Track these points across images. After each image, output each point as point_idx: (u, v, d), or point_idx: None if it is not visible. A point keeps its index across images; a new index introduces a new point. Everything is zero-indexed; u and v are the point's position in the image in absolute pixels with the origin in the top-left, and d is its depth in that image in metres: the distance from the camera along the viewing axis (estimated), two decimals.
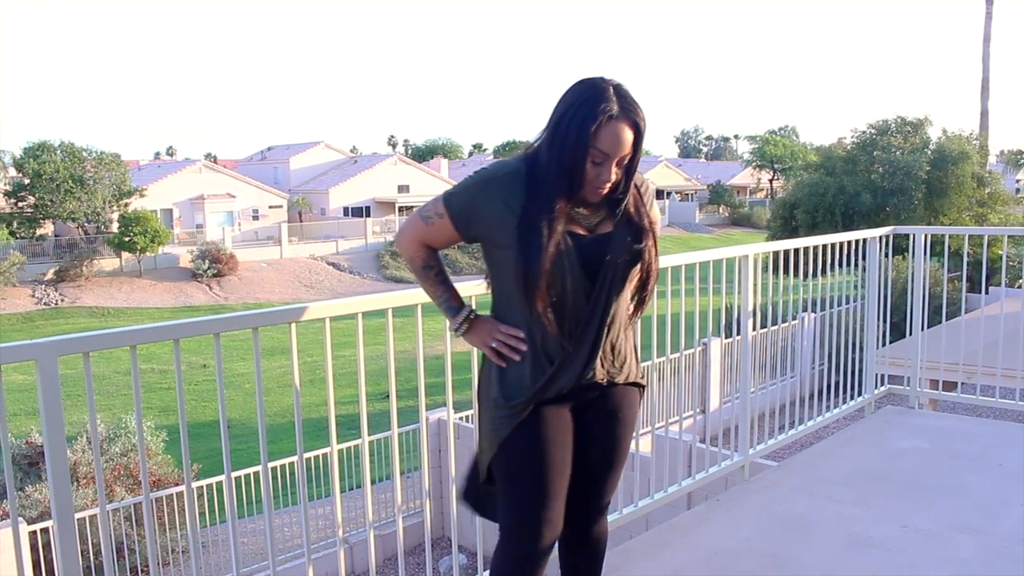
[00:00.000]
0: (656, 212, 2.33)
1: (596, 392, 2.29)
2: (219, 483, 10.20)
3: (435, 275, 2.35)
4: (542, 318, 2.14)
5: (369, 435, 2.83)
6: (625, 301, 2.27)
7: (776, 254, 4.54)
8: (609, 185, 2.10)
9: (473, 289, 2.83)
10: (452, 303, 2.34)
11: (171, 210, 47.85)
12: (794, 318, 5.56)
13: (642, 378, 2.42)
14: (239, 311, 2.47)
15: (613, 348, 2.27)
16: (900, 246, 5.98)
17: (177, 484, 10.57)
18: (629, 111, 2.05)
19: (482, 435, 2.32)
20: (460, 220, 2.19)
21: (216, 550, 10.51)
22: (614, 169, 2.08)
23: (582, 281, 2.15)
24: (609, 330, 2.23)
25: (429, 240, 2.28)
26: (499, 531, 2.32)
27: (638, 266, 2.22)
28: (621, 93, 2.06)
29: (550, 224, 2.07)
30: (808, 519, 3.83)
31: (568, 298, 2.15)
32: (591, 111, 2.02)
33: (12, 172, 42.09)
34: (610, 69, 2.26)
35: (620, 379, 2.31)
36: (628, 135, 2.06)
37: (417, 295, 2.79)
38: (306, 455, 4.91)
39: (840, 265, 4.87)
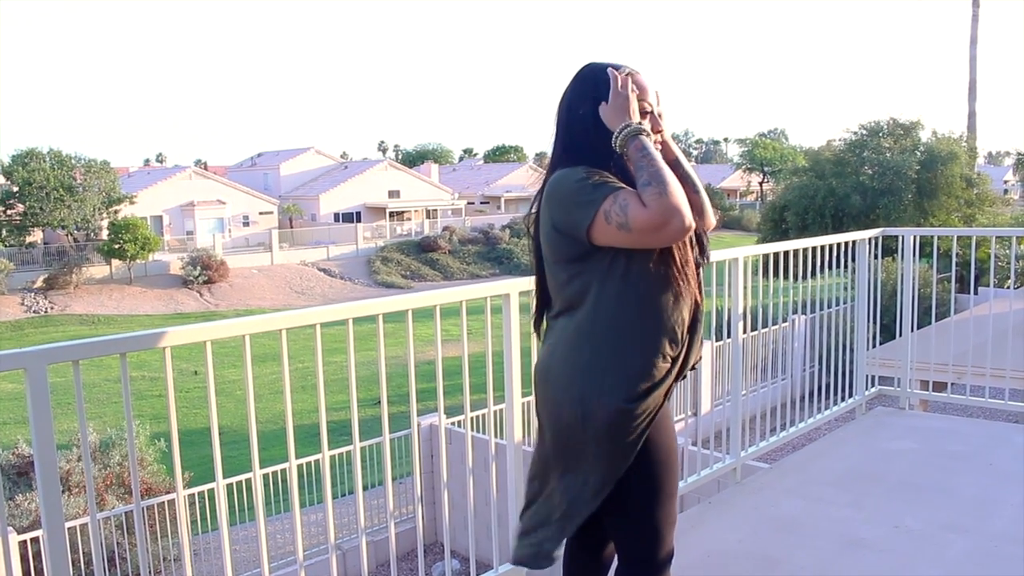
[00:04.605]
0: None
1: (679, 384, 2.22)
2: (211, 490, 10.16)
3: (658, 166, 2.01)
4: (689, 288, 2.07)
5: (361, 441, 2.83)
6: None
7: (766, 256, 4.55)
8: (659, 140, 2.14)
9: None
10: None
11: (161, 217, 47.73)
12: (785, 320, 5.57)
13: None
14: (230, 318, 2.46)
15: None
16: (889, 247, 6.00)
17: (169, 492, 10.52)
18: (636, 71, 2.14)
19: (607, 451, 2.04)
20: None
21: (208, 558, 10.46)
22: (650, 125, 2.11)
23: None
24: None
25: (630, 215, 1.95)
26: (646, 550, 2.13)
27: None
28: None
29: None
30: (800, 520, 3.84)
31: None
32: (613, 71, 2.09)
33: (0, 180, 41.89)
34: None
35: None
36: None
37: (407, 301, 2.79)
38: (298, 461, 4.89)
39: (830, 267, 4.89)
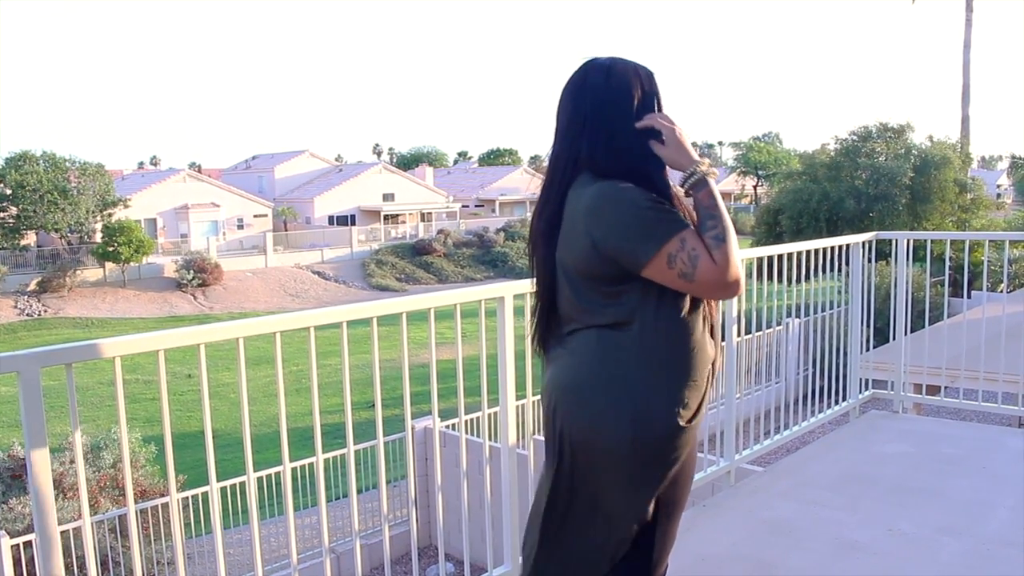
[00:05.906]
0: None
1: None
2: (206, 494, 10.13)
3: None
4: (716, 303, 2.06)
5: (355, 444, 2.83)
6: None
7: (761, 260, 4.56)
8: None
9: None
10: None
11: (155, 220, 47.64)
12: (779, 324, 5.59)
13: None
14: (224, 321, 2.46)
15: None
16: (883, 251, 6.02)
17: (163, 495, 10.50)
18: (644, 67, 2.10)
19: (651, 475, 2.00)
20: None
21: (202, 561, 10.43)
22: None
23: None
24: None
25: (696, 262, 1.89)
26: (646, 567, 2.13)
27: None
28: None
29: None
30: (794, 524, 3.84)
31: None
32: (647, 71, 2.05)
33: None
34: None
35: None
36: None
37: (401, 304, 2.79)
38: (292, 465, 4.87)
39: (824, 271, 4.90)
